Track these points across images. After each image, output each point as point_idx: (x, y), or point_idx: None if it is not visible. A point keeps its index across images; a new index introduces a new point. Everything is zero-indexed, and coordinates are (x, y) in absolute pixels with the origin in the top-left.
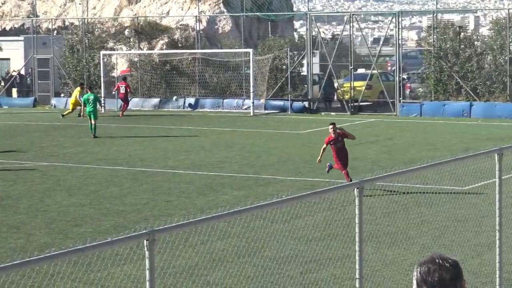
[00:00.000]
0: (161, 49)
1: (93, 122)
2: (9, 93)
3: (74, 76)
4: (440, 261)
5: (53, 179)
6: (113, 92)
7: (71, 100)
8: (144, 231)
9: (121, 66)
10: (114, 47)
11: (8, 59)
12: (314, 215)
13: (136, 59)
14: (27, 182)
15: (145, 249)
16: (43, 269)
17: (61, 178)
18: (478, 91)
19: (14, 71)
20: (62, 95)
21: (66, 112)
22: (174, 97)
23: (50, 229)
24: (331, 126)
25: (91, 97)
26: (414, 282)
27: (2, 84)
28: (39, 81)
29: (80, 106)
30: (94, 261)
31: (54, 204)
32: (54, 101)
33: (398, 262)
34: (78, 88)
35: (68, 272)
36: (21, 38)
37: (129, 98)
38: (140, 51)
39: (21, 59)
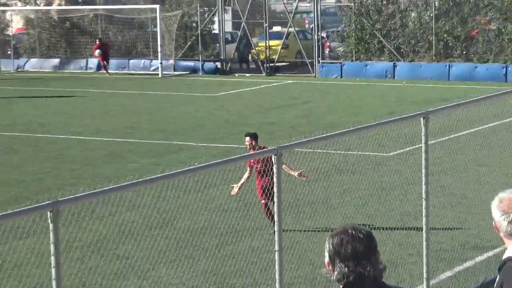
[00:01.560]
0: (60, 4)
1: None
2: None
3: None
4: (353, 232)
5: None
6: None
7: None
8: (47, 202)
9: (16, 24)
10: (8, 2)
11: None
12: (229, 184)
13: (32, 16)
14: None
15: (49, 221)
16: None
17: None
18: (402, 50)
19: None
20: None
21: None
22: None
23: None
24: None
25: None
26: (326, 254)
27: None
28: None
29: None
30: None
31: None
32: None
33: (319, 233)
34: None
35: None
36: None
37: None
38: (37, 7)
39: None
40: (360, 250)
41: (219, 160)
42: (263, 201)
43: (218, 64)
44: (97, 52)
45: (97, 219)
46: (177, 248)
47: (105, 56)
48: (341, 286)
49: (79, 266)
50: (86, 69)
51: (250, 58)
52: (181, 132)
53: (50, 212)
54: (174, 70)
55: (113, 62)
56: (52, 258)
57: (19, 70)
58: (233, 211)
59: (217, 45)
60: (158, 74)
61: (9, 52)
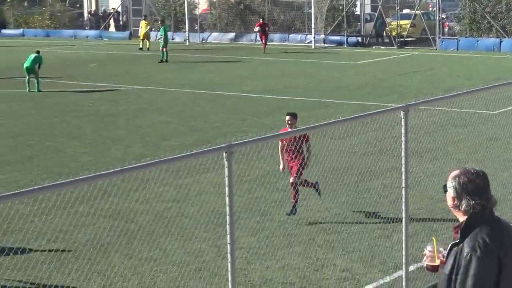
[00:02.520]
0: None
1: (162, 49)
2: (107, 28)
3: (163, 14)
4: (475, 171)
5: (146, 101)
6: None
7: (141, 34)
8: (223, 145)
9: (202, 6)
10: None
11: None
12: (366, 134)
13: (214, 0)
14: (125, 102)
15: (224, 160)
16: (139, 175)
17: (152, 100)
18: (506, 29)
19: (113, 8)
20: (152, 29)
21: (142, 45)
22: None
23: (144, 142)
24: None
25: (162, 29)
26: (453, 191)
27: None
28: (133, 18)
29: (148, 39)
30: (182, 169)
31: (147, 121)
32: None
33: (438, 174)
34: (143, 22)
35: (160, 178)
36: None
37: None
38: None
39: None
40: (482, 186)
41: (358, 114)
42: (292, 180)
43: (359, 39)
44: (256, 29)
45: (262, 158)
46: (324, 184)
47: (263, 33)
48: (465, 217)
49: (247, 195)
50: (255, 42)
51: (384, 34)
52: (329, 92)
53: (225, 153)
54: (324, 43)
55: (276, 36)
56: (227, 188)
57: (203, 41)
58: (369, 154)
59: (359, 23)
60: (311, 46)
61: (196, 28)
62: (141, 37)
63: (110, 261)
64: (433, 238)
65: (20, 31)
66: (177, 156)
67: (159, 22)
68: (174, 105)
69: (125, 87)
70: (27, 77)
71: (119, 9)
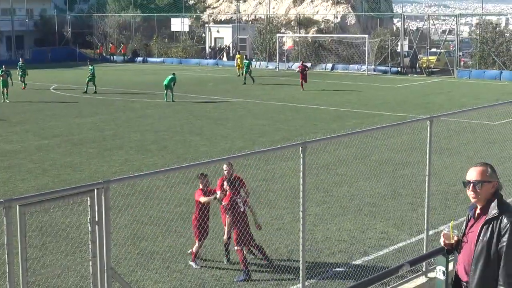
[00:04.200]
0: (313, 33)
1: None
2: (221, 58)
3: (260, 49)
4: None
5: (246, 109)
6: (297, 71)
7: (237, 64)
8: (299, 142)
9: (288, 43)
10: (285, 32)
11: (222, 37)
12: (401, 136)
13: (297, 39)
14: (231, 110)
15: (300, 152)
16: (240, 161)
17: (251, 109)
18: (506, 64)
19: (225, 45)
20: (253, 60)
21: (239, 73)
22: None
23: (244, 138)
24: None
25: (246, 62)
26: (489, 173)
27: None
28: (241, 51)
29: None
30: (268, 158)
31: (247, 123)
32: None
33: (452, 166)
34: (238, 55)
35: (254, 164)
36: (230, 25)
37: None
38: (300, 35)
39: (229, 38)
40: None
41: (394, 123)
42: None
43: (399, 69)
44: (296, 70)
45: (326, 152)
46: (371, 171)
47: (302, 74)
48: (493, 197)
49: (315, 178)
50: (325, 69)
51: (417, 66)
52: (376, 106)
53: (301, 147)
54: (374, 71)
55: (340, 65)
56: (301, 173)
57: (288, 69)
58: (403, 151)
59: (399, 57)
60: (365, 73)
61: (283, 59)
62: (237, 66)
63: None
64: (451, 222)
65: (161, 59)
66: (267, 149)
67: (240, 55)
68: (266, 113)
69: (232, 100)
70: (165, 91)
71: (230, 45)
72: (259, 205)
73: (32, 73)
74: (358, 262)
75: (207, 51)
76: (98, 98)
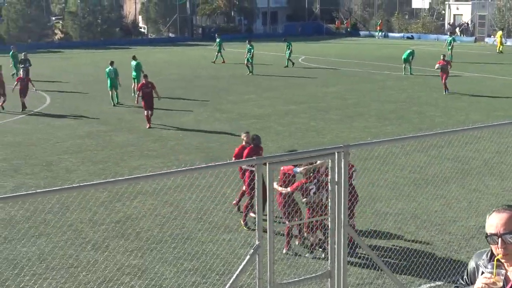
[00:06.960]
0: None
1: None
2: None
3: (499, 26)
4: None
5: (481, 84)
6: None
7: (497, 42)
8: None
9: None
10: None
11: (461, 14)
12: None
13: None
14: (466, 83)
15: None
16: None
17: (489, 84)
18: None
19: (465, 21)
20: (491, 36)
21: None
22: None
23: (480, 112)
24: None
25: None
26: None
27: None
28: (478, 27)
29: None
30: (502, 132)
31: (483, 99)
32: (486, 39)
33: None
34: (499, 32)
35: (487, 137)
36: (470, 3)
37: None
38: None
39: (468, 15)
40: None
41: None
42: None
43: None
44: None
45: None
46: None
47: (443, 72)
48: None
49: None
50: None
51: None
52: None
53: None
54: None
55: None
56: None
57: None
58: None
59: None
60: None
61: None
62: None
63: None
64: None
65: (401, 34)
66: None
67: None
68: (505, 89)
69: (465, 74)
70: (403, 65)
71: (469, 22)
72: (491, 176)
73: (297, 46)
74: None
75: (446, 27)
76: (341, 70)
